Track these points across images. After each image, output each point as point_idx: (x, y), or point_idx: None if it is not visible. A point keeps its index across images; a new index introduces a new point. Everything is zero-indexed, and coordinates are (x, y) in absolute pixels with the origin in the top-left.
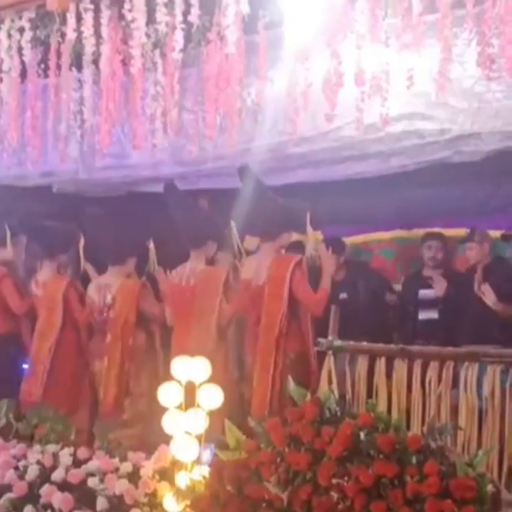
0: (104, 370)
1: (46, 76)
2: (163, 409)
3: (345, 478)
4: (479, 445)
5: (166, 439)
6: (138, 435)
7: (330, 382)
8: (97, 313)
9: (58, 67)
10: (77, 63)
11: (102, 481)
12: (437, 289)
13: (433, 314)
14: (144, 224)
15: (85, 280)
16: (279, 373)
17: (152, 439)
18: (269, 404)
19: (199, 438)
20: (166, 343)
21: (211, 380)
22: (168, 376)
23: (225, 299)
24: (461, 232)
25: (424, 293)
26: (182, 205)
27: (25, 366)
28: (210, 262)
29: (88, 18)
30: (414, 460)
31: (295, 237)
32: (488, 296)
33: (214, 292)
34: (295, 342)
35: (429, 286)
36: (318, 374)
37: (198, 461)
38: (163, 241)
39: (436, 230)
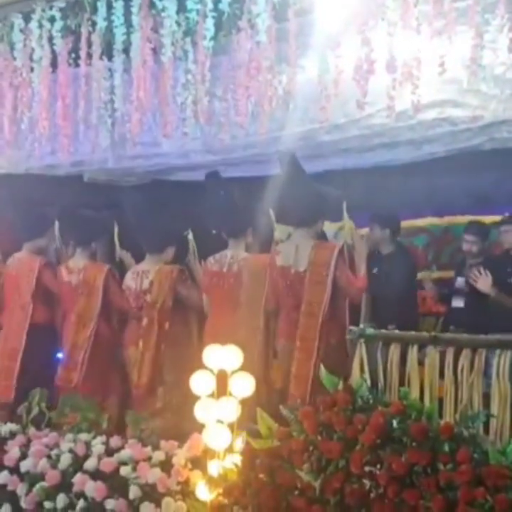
0: (139, 353)
1: (77, 65)
2: (196, 398)
3: (378, 466)
4: None
5: (199, 428)
6: (170, 424)
7: (362, 370)
8: (133, 298)
9: (89, 56)
10: (108, 52)
11: (134, 469)
12: (481, 282)
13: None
14: (181, 212)
15: (119, 268)
16: (320, 360)
17: (185, 427)
18: (310, 391)
19: (231, 426)
20: (202, 332)
21: (252, 368)
22: (202, 365)
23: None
24: (494, 219)
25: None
26: (224, 192)
27: (60, 355)
28: (249, 249)
29: (118, 6)
30: (446, 448)
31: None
32: None
33: (262, 279)
34: (336, 329)
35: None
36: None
37: (230, 449)
38: (200, 230)
39: (475, 218)
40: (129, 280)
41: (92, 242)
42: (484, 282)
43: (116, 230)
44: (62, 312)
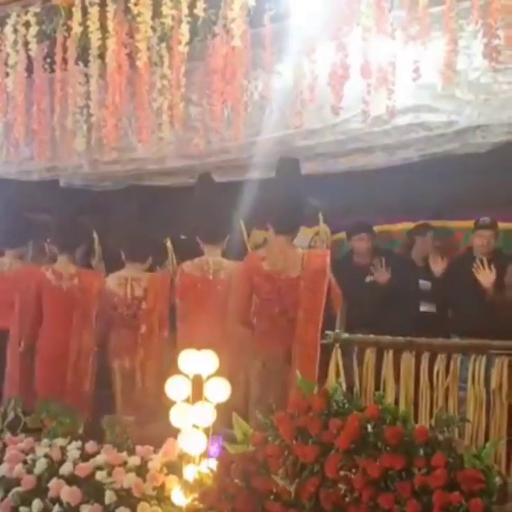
0: (138, 362)
1: (52, 70)
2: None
3: (353, 470)
4: (487, 437)
5: (174, 433)
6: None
7: (337, 374)
8: (124, 306)
9: (64, 61)
10: (83, 57)
11: (109, 474)
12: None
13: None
14: (162, 219)
15: None
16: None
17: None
18: None
19: (207, 431)
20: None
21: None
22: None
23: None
24: (468, 224)
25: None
26: (214, 197)
27: None
28: (225, 255)
29: (94, 11)
30: (421, 452)
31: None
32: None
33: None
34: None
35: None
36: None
37: (205, 455)
38: (178, 236)
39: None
40: (115, 287)
41: (77, 248)
42: (486, 277)
43: (96, 237)
44: (40, 316)
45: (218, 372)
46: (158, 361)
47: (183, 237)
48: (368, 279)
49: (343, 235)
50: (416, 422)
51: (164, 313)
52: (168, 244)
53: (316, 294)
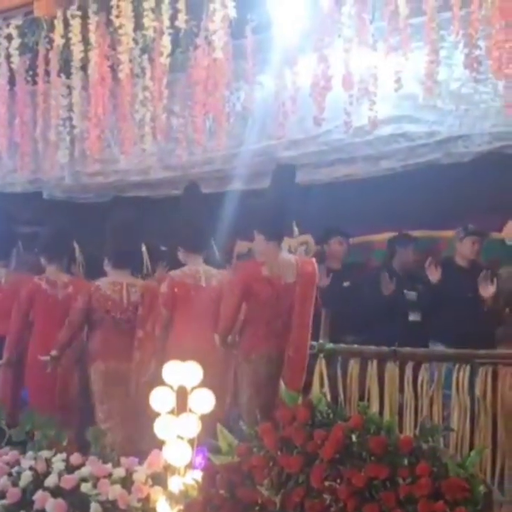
0: (135, 365)
1: (35, 83)
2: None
3: (338, 480)
4: (472, 446)
5: (159, 444)
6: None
7: (322, 384)
8: (118, 311)
9: (47, 73)
10: (66, 69)
11: (95, 486)
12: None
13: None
14: (152, 228)
15: None
16: None
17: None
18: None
19: (191, 442)
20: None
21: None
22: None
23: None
24: (450, 233)
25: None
26: (200, 207)
27: None
28: (209, 264)
29: (76, 24)
30: (406, 462)
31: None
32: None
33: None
34: None
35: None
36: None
37: (191, 466)
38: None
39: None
40: (108, 292)
41: (63, 257)
42: (486, 287)
43: (76, 246)
44: (29, 326)
45: (206, 382)
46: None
47: (163, 248)
48: (345, 284)
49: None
50: (400, 431)
51: (160, 319)
52: (143, 249)
53: (309, 300)
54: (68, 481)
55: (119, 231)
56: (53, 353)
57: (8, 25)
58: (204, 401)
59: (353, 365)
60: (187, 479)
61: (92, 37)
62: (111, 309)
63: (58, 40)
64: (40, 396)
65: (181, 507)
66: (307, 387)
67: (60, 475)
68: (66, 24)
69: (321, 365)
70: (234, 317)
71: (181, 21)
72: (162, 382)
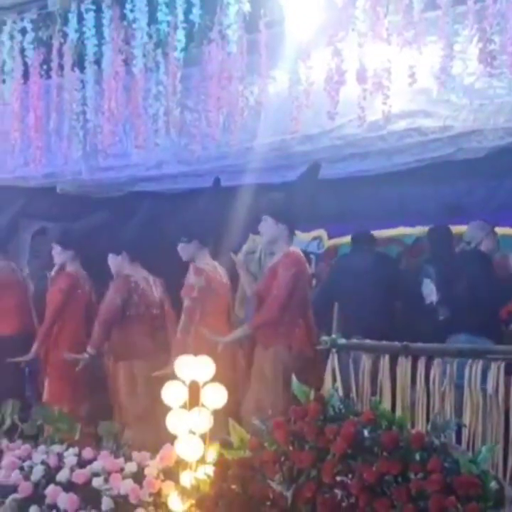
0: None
1: (49, 77)
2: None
3: (349, 475)
4: (483, 442)
5: (171, 439)
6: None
7: (334, 380)
8: (147, 305)
9: (61, 67)
10: (80, 63)
11: (106, 480)
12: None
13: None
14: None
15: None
16: None
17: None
18: None
19: (203, 437)
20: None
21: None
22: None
23: None
24: (464, 229)
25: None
26: (221, 201)
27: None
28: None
29: (90, 18)
30: (417, 457)
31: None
32: None
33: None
34: None
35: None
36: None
37: (202, 460)
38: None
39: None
40: (144, 285)
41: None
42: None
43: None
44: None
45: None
46: None
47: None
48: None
49: (339, 240)
50: (412, 427)
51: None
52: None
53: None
54: (80, 476)
55: (141, 225)
56: (90, 350)
57: (22, 20)
58: (216, 396)
59: (365, 361)
60: (199, 474)
61: (106, 31)
62: (150, 305)
63: (72, 34)
64: (60, 392)
65: (193, 501)
66: (319, 382)
67: (72, 469)
68: (80, 18)
69: (333, 361)
70: (285, 309)
71: (195, 15)
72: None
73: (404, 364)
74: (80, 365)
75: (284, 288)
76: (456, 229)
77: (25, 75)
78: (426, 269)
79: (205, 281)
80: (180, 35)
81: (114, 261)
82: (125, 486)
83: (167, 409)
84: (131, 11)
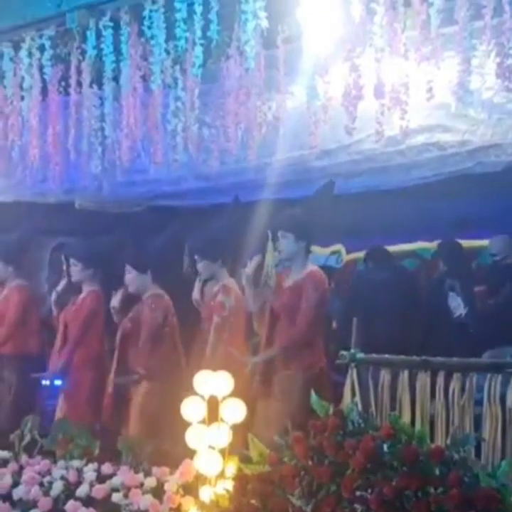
0: None
1: (67, 93)
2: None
3: (369, 490)
4: (503, 456)
5: (190, 454)
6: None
7: (353, 394)
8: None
9: (79, 84)
10: (98, 80)
11: (126, 496)
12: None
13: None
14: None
15: None
16: None
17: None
18: None
19: (223, 452)
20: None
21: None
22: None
23: None
24: (482, 243)
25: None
26: (240, 218)
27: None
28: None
29: (108, 35)
30: (437, 472)
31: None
32: None
33: None
34: None
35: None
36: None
37: (222, 475)
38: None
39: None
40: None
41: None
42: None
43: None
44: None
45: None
46: None
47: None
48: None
49: (358, 254)
50: (432, 441)
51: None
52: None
53: None
54: (99, 491)
55: (161, 243)
56: (141, 370)
57: (40, 37)
58: (235, 411)
59: (384, 375)
60: (218, 489)
61: (124, 48)
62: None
63: (90, 51)
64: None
65: None
66: (338, 397)
67: (91, 484)
68: (98, 35)
69: (352, 375)
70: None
71: (213, 32)
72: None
73: (423, 378)
74: (130, 385)
75: (314, 308)
76: (474, 243)
77: (44, 92)
78: (450, 283)
79: (235, 300)
80: (198, 51)
81: (138, 279)
82: (145, 501)
83: (186, 424)
84: (149, 27)
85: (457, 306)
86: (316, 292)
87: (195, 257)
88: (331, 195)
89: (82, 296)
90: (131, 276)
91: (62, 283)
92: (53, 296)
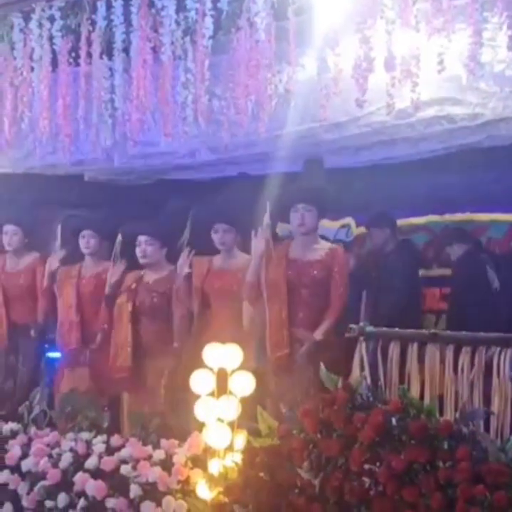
0: None
1: (77, 65)
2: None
3: (377, 463)
4: None
5: (199, 426)
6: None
7: (362, 368)
8: None
9: (89, 55)
10: (108, 51)
11: (134, 468)
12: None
13: None
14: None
15: None
16: None
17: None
18: None
19: (231, 425)
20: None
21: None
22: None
23: None
24: (493, 216)
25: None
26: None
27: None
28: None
29: (118, 6)
30: (446, 445)
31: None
32: None
33: None
34: None
35: None
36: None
37: (230, 448)
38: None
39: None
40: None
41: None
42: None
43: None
44: None
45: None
46: None
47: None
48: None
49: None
50: (441, 415)
51: None
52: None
53: None
54: (108, 463)
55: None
56: (176, 344)
57: (50, 7)
58: (244, 384)
59: (393, 349)
60: (227, 461)
61: (134, 19)
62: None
63: (100, 22)
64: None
65: (221, 489)
66: (347, 371)
67: (100, 457)
68: (108, 6)
69: (361, 348)
70: None
71: (223, 3)
72: None
73: (432, 352)
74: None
75: (346, 287)
76: (484, 216)
77: (54, 63)
78: (484, 257)
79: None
80: (209, 22)
81: (155, 251)
82: (153, 474)
83: (195, 397)
84: None
85: (492, 279)
86: (346, 271)
87: (216, 227)
88: (321, 171)
89: (98, 270)
90: (152, 248)
91: (67, 254)
92: (58, 267)
